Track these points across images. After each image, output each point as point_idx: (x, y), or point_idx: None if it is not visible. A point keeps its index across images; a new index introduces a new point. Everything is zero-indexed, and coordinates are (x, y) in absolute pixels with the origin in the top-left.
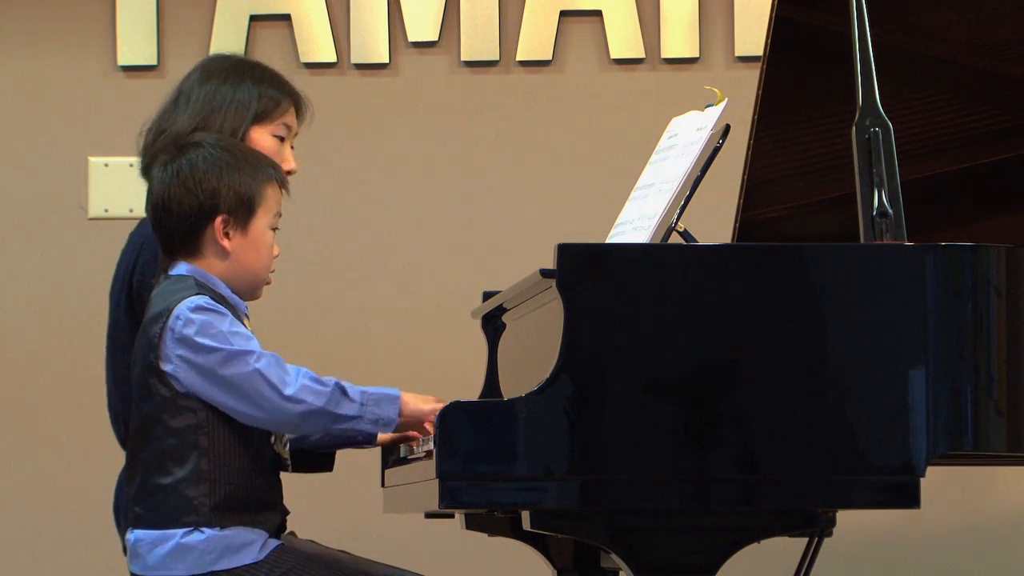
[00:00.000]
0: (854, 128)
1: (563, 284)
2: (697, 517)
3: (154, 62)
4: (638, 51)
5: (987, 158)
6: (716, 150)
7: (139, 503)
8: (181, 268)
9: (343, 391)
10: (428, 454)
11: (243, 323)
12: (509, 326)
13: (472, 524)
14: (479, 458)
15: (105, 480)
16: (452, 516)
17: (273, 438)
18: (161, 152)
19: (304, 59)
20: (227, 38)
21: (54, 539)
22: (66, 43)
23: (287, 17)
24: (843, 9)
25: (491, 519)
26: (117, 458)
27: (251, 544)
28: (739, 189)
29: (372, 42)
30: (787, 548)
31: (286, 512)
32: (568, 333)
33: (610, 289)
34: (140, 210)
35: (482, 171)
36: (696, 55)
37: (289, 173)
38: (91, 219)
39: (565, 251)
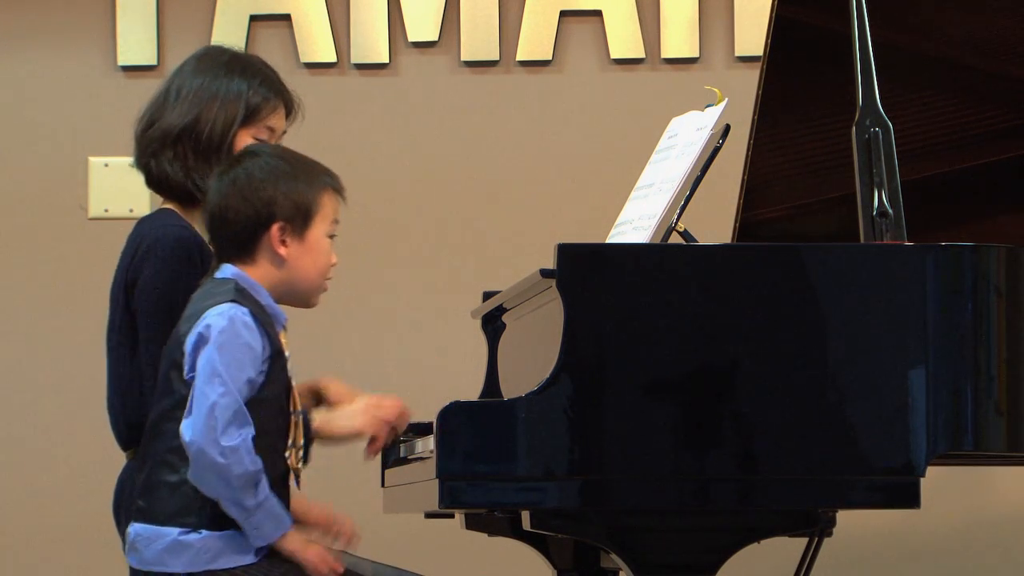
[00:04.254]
0: (854, 128)
1: (563, 284)
2: (697, 517)
3: (154, 62)
4: (638, 51)
5: (987, 158)
6: (716, 150)
7: (143, 497)
8: (226, 271)
9: (256, 483)
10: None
11: (279, 335)
12: (509, 326)
13: (472, 524)
14: (479, 458)
15: (105, 480)
16: (452, 516)
17: (289, 453)
18: (152, 143)
19: (304, 59)
20: (227, 38)
21: (53, 539)
22: (66, 43)
23: (287, 17)
24: (843, 9)
25: (491, 519)
26: (117, 458)
27: (243, 547)
28: (739, 189)
29: (372, 42)
30: (787, 548)
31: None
32: (568, 333)
33: (610, 289)
34: (140, 210)
35: (482, 171)
36: (696, 55)
37: None
38: (91, 219)
39: (565, 251)
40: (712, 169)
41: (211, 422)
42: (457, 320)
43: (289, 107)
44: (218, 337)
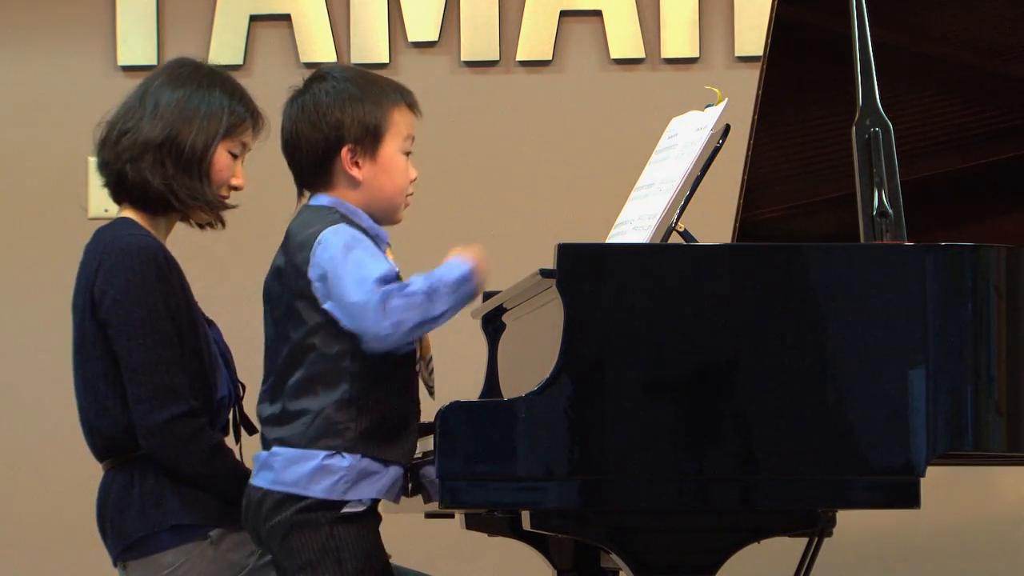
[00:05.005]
0: (854, 128)
1: (563, 284)
2: (697, 517)
3: (154, 62)
4: (638, 51)
5: (987, 158)
6: (716, 150)
7: (280, 425)
8: (322, 199)
9: (421, 298)
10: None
11: (387, 253)
12: (509, 326)
13: (472, 524)
14: (479, 458)
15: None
16: (452, 516)
17: (418, 366)
18: (128, 150)
19: (304, 59)
20: (227, 38)
21: (49, 540)
22: (66, 43)
23: (287, 17)
24: (843, 9)
25: (491, 519)
26: None
27: (380, 477)
28: (739, 189)
29: (372, 42)
30: (787, 548)
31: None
32: (568, 333)
33: (610, 289)
34: None
35: (482, 171)
36: (696, 55)
37: (236, 189)
38: (91, 219)
39: (565, 251)
40: (712, 169)
41: (368, 319)
42: (457, 320)
43: (257, 126)
44: (343, 250)
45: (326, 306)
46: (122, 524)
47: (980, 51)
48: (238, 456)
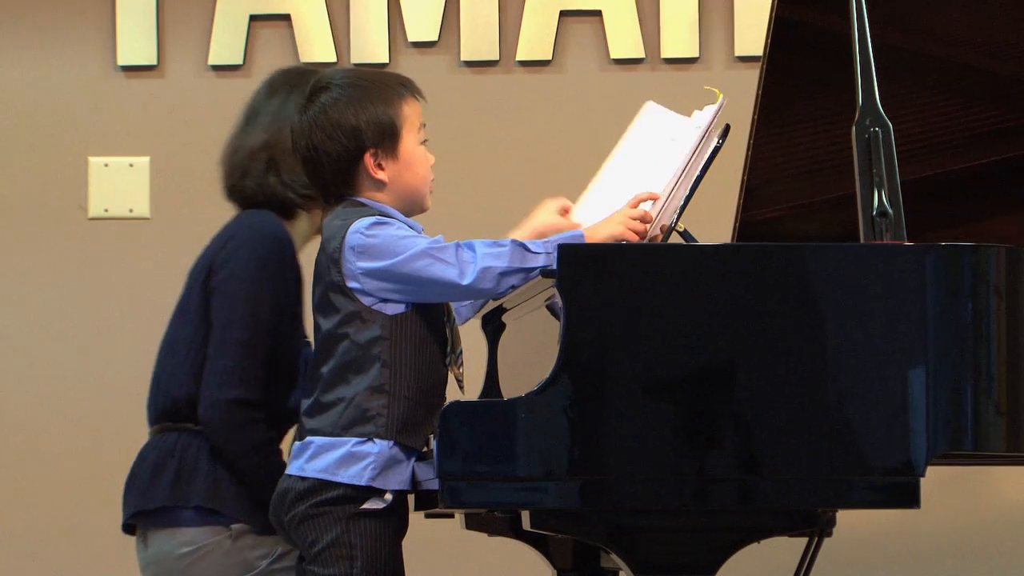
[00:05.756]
0: (854, 128)
1: (563, 284)
2: (697, 517)
3: (154, 62)
4: (638, 51)
5: (987, 158)
6: (716, 150)
7: (314, 415)
8: (355, 199)
9: (507, 253)
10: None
11: None
12: (509, 326)
13: (472, 524)
14: (479, 458)
15: (107, 476)
16: (452, 516)
17: (448, 360)
18: (240, 166)
19: (304, 59)
20: (227, 38)
21: (54, 539)
22: (66, 43)
23: (287, 17)
24: (843, 9)
25: (491, 519)
26: (116, 457)
27: (407, 467)
28: (739, 189)
29: (372, 42)
30: (787, 548)
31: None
32: (568, 333)
33: (610, 289)
34: (140, 210)
35: (482, 171)
36: (696, 55)
37: None
38: (91, 219)
39: (565, 251)
40: (712, 169)
41: (443, 273)
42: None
43: None
44: (373, 226)
45: (350, 285)
46: (149, 489)
47: (980, 51)
48: None
